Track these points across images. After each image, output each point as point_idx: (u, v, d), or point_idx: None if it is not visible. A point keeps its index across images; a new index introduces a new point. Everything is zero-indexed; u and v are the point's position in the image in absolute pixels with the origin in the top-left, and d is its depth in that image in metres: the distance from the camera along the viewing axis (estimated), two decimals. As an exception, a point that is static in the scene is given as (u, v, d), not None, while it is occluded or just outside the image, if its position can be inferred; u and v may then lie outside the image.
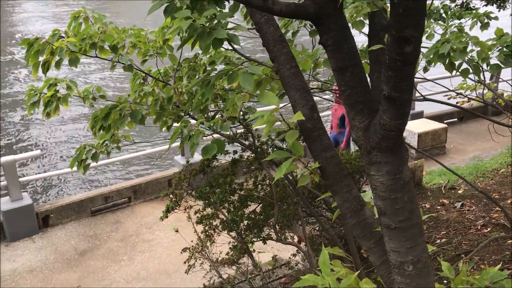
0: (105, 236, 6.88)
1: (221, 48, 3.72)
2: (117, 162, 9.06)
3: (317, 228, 4.50)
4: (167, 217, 3.64)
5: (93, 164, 3.90)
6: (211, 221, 3.49)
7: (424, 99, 3.11)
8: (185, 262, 3.91)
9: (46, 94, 3.77)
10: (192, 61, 3.91)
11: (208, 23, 2.36)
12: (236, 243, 3.76)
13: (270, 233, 3.51)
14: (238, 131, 3.47)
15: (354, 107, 1.78)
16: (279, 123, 2.18)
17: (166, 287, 5.76)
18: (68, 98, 3.80)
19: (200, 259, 3.85)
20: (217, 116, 3.43)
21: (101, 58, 3.65)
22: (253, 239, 3.39)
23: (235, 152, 3.54)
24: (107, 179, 10.06)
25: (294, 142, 2.12)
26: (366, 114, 1.77)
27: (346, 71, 1.74)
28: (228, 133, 3.54)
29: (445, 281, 3.26)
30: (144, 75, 4.05)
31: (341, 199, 2.11)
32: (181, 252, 3.93)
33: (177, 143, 7.76)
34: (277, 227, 3.33)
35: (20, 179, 6.90)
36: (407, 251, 1.86)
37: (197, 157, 8.21)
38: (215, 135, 3.36)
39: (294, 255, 4.24)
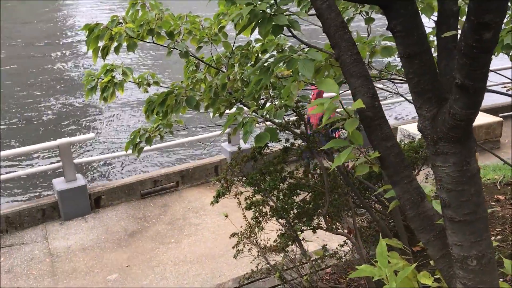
0: (154, 218, 7.07)
1: (272, 36, 3.71)
2: (166, 147, 9.26)
3: (365, 220, 4.44)
4: (217, 202, 3.68)
5: (146, 148, 4.00)
6: (261, 207, 3.50)
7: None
8: (233, 247, 3.95)
9: (103, 79, 3.86)
10: (245, 48, 3.92)
11: (268, 9, 2.35)
12: (284, 230, 3.77)
13: (320, 223, 3.49)
14: (290, 119, 3.45)
15: (422, 96, 1.72)
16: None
17: (213, 270, 5.86)
18: (123, 84, 3.88)
19: (248, 245, 3.88)
20: (268, 104, 3.44)
21: (157, 44, 3.71)
22: (303, 227, 3.38)
23: (287, 140, 3.53)
24: (156, 163, 10.31)
25: (354, 131, 2.09)
26: (434, 103, 1.71)
27: (415, 58, 1.68)
28: (279, 121, 3.53)
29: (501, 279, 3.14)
30: (196, 62, 4.10)
31: (401, 190, 2.06)
32: (230, 237, 3.97)
33: (228, 130, 7.86)
34: (327, 217, 3.31)
35: (75, 161, 7.17)
36: (471, 245, 1.80)
37: (243, 145, 8.27)
38: (266, 123, 3.37)
39: (341, 245, 4.20)
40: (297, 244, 3.43)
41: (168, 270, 5.91)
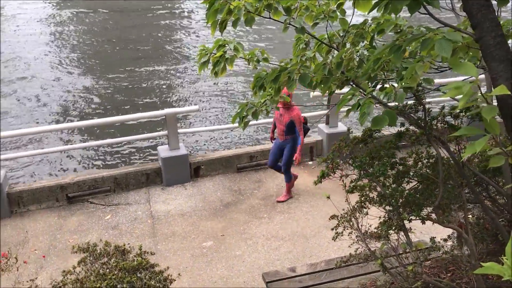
0: (248, 192, 7.23)
1: (390, 16, 3.55)
2: (264, 123, 9.41)
3: (474, 216, 4.18)
4: (320, 182, 3.65)
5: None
6: (367, 192, 3.42)
7: None
8: (332, 229, 3.91)
9: (215, 54, 3.95)
10: (360, 27, 3.80)
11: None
12: (386, 218, 3.66)
13: (430, 214, 3.33)
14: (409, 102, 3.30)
15: None
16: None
17: (304, 250, 5.89)
18: (234, 59, 3.94)
19: (348, 228, 3.82)
20: (378, 86, 3.32)
21: (273, 19, 3.71)
22: (411, 217, 3.25)
23: (402, 124, 3.39)
24: (252, 140, 10.51)
25: (492, 119, 1.94)
26: None
27: None
28: (393, 104, 3.40)
29: None
30: (307, 40, 4.05)
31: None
32: (329, 219, 3.94)
33: (326, 111, 7.74)
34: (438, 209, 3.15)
35: (179, 130, 7.51)
36: None
37: (341, 127, 8.13)
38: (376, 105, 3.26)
39: (445, 240, 3.99)
40: (402, 233, 3.31)
41: (260, 244, 6.04)
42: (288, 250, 5.89)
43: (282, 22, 3.63)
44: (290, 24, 3.61)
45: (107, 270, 3.55)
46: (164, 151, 7.45)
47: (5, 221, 6.70)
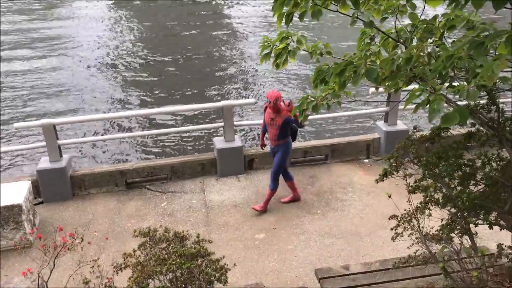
0: (301, 187, 7.20)
1: (462, 11, 3.40)
2: (320, 119, 9.32)
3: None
4: (383, 180, 3.57)
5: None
6: (432, 193, 3.31)
7: None
8: (391, 229, 3.83)
9: (278, 46, 3.93)
10: (429, 23, 3.67)
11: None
12: (449, 220, 3.53)
13: (498, 219, 3.19)
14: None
15: None
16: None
17: (358, 248, 5.80)
18: (297, 52, 3.91)
19: (408, 229, 3.72)
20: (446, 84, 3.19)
21: (341, 12, 3.65)
22: (477, 221, 3.12)
23: (473, 124, 3.25)
24: (306, 134, 10.45)
25: None
26: None
27: None
28: (464, 102, 3.27)
29: None
30: (372, 34, 3.96)
31: None
32: (389, 219, 3.85)
33: (384, 108, 7.54)
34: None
35: (235, 123, 7.58)
36: None
37: (400, 125, 7.92)
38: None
39: (511, 247, 3.81)
40: (465, 237, 3.18)
41: (313, 239, 6.01)
42: (341, 248, 5.82)
43: (349, 16, 3.57)
44: (357, 17, 3.54)
45: (166, 255, 3.65)
46: (219, 142, 7.55)
47: (67, 202, 7.03)
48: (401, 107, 7.93)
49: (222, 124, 7.56)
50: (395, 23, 3.68)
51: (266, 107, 6.49)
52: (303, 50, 3.95)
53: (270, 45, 4.00)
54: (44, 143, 7.03)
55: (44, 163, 7.01)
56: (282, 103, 6.32)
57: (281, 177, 6.71)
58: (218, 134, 9.46)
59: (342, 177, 7.41)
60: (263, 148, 6.99)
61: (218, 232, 6.27)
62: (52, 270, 3.75)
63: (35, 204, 6.72)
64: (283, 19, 3.66)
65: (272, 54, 3.95)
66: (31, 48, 17.07)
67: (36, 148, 8.34)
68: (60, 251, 3.65)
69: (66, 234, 3.94)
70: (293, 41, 3.91)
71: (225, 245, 5.96)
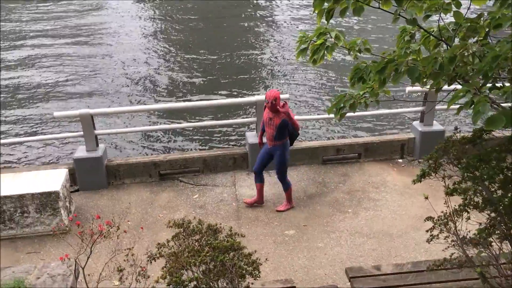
0: (333, 185, 7.15)
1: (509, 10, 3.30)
2: (356, 117, 9.23)
3: None
4: (420, 181, 3.50)
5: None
6: (471, 196, 3.23)
7: None
8: (427, 231, 3.76)
9: (315, 42, 3.90)
10: (475, 21, 3.57)
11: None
12: (488, 224, 3.44)
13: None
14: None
15: None
16: None
17: (389, 249, 5.73)
18: (334, 48, 3.87)
19: (444, 232, 3.65)
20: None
21: (382, 9, 3.60)
22: (519, 226, 3.03)
23: (518, 127, 3.15)
24: (338, 132, 10.37)
25: None
26: None
27: None
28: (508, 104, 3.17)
29: None
30: (413, 32, 3.90)
31: None
32: (424, 221, 3.79)
33: (420, 108, 7.39)
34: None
35: (268, 118, 7.58)
36: None
37: (436, 126, 7.75)
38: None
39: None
40: (507, 242, 3.10)
41: (343, 238, 5.97)
42: (372, 248, 5.76)
43: (391, 13, 3.51)
44: (399, 15, 3.48)
45: (199, 247, 3.69)
46: (252, 137, 7.56)
47: (102, 191, 7.20)
48: (441, 107, 7.79)
49: (255, 119, 7.57)
50: (438, 21, 3.60)
51: (265, 106, 6.41)
52: (341, 46, 3.91)
53: (307, 41, 3.98)
54: (81, 133, 7.21)
55: (81, 152, 7.20)
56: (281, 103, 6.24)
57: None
58: (251, 129, 9.49)
59: (375, 177, 7.32)
60: (261, 147, 6.83)
61: (248, 226, 6.30)
62: (89, 257, 3.85)
63: (71, 192, 6.90)
64: (324, 15, 3.64)
65: (309, 50, 3.93)
66: (70, 37, 17.51)
67: (74, 137, 8.56)
68: (97, 239, 3.74)
69: (102, 222, 4.04)
70: (331, 37, 3.88)
71: (254, 240, 5.98)
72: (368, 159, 7.78)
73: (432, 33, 3.65)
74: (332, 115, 4.06)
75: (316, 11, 3.65)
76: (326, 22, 3.67)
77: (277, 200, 6.84)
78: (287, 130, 6.33)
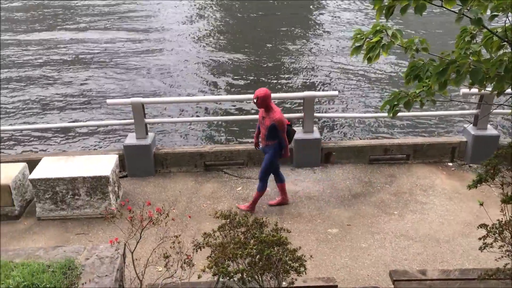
0: (379, 186, 7.02)
1: None
2: (408, 116, 9.03)
3: None
4: (475, 187, 3.38)
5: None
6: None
7: None
8: (480, 239, 3.63)
9: (371, 39, 3.83)
10: (545, 21, 3.40)
11: None
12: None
13: None
14: None
15: None
16: None
17: (435, 254, 5.58)
18: (391, 46, 3.79)
19: (498, 241, 3.52)
20: None
21: (445, 8, 3.48)
22: None
23: None
24: (385, 131, 10.17)
25: None
26: None
27: None
28: None
29: None
30: (474, 32, 3.75)
31: None
32: (477, 228, 3.66)
33: (474, 111, 7.13)
34: None
35: (315, 114, 7.52)
36: None
37: (491, 130, 7.46)
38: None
39: None
40: None
41: (388, 240, 5.86)
42: (418, 252, 5.62)
43: (454, 12, 3.40)
44: (463, 14, 3.36)
45: (245, 240, 3.71)
46: (298, 133, 7.51)
47: (149, 178, 7.37)
48: (498, 110, 7.49)
49: (301, 114, 7.53)
50: (505, 22, 3.45)
51: None
52: (398, 44, 3.83)
53: (362, 38, 3.91)
54: (132, 120, 7.40)
55: (131, 139, 7.39)
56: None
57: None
58: (297, 125, 9.45)
59: (423, 179, 7.13)
60: (257, 147, 6.68)
61: (290, 222, 6.29)
62: (138, 242, 3.96)
63: (120, 177, 7.10)
64: (383, 12, 3.56)
65: (364, 47, 3.87)
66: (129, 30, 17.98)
67: (121, 125, 8.78)
68: (146, 225, 3.84)
69: (152, 208, 4.13)
70: (388, 35, 3.79)
71: (297, 236, 5.96)
72: (417, 161, 7.58)
73: (497, 34, 3.50)
74: (383, 113, 3.99)
75: (376, 8, 3.58)
76: (385, 19, 3.60)
77: (321, 197, 6.78)
78: (277, 133, 6.12)
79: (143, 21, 19.01)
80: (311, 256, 4.01)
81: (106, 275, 4.43)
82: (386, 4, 3.55)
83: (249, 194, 6.91)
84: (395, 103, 3.89)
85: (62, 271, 4.35)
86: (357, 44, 3.93)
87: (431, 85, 3.69)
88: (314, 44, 16.14)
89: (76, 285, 4.20)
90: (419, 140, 7.81)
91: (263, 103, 6.05)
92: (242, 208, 6.50)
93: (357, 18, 18.99)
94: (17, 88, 12.93)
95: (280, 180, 6.59)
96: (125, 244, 3.99)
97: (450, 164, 7.55)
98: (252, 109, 11.02)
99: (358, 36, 3.95)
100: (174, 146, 8.32)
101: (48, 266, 4.42)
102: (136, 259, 4.22)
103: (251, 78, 13.33)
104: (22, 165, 6.73)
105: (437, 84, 3.46)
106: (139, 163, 7.34)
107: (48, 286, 4.08)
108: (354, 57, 3.87)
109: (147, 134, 7.41)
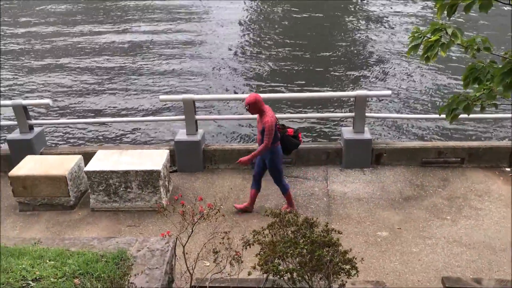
0: (431, 189, 6.81)
1: None
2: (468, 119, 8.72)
3: None
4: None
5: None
6: None
7: None
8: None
9: (429, 38, 3.71)
10: None
11: None
12: None
13: None
14: None
15: None
16: None
17: (491, 262, 5.35)
18: (450, 46, 3.66)
19: None
20: None
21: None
22: None
23: None
24: (439, 133, 9.85)
25: None
26: None
27: None
28: None
29: None
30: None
31: None
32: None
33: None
34: None
35: (367, 114, 7.38)
36: None
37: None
38: None
39: None
40: None
41: (440, 246, 5.67)
42: (472, 259, 5.41)
43: (524, 9, 3.24)
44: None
45: (294, 239, 3.69)
46: (348, 132, 7.42)
47: (198, 174, 7.48)
48: None
49: (352, 114, 7.41)
50: None
51: None
52: (458, 44, 3.69)
53: (420, 37, 3.80)
54: (183, 117, 7.52)
55: (182, 135, 7.52)
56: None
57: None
58: (346, 124, 9.32)
59: (478, 184, 6.86)
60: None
61: (339, 223, 6.21)
62: (189, 236, 4.02)
63: (170, 172, 7.24)
64: (445, 9, 3.45)
65: (421, 46, 3.76)
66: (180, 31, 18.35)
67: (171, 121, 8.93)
68: (198, 220, 3.89)
69: (203, 204, 4.18)
70: (447, 34, 3.67)
71: (345, 238, 5.86)
72: (472, 165, 7.29)
73: None
74: (436, 115, 3.86)
75: (437, 6, 3.47)
76: (447, 17, 3.47)
77: (371, 199, 6.65)
78: (274, 136, 5.95)
79: (196, 20, 19.32)
80: (362, 259, 3.93)
81: (157, 267, 4.52)
82: (449, 1, 3.43)
83: (297, 194, 6.88)
84: (454, 107, 3.77)
85: (114, 261, 4.48)
86: (414, 43, 3.82)
87: (493, 88, 3.54)
88: (370, 40, 15.85)
89: (129, 275, 4.31)
90: (475, 143, 7.52)
91: (255, 108, 5.88)
92: (240, 207, 6.48)
93: (412, 16, 18.51)
94: (76, 80, 13.50)
95: (256, 187, 6.44)
96: (176, 238, 4.06)
97: (508, 169, 7.22)
98: (301, 107, 10.97)
99: (416, 34, 3.85)
100: (223, 143, 8.40)
101: (101, 256, 4.57)
102: (187, 253, 4.28)
103: (303, 76, 13.26)
104: (78, 157, 6.99)
105: (501, 85, 3.31)
106: (188, 158, 7.46)
107: (101, 275, 4.21)
108: (411, 56, 3.77)
109: (197, 130, 7.52)
